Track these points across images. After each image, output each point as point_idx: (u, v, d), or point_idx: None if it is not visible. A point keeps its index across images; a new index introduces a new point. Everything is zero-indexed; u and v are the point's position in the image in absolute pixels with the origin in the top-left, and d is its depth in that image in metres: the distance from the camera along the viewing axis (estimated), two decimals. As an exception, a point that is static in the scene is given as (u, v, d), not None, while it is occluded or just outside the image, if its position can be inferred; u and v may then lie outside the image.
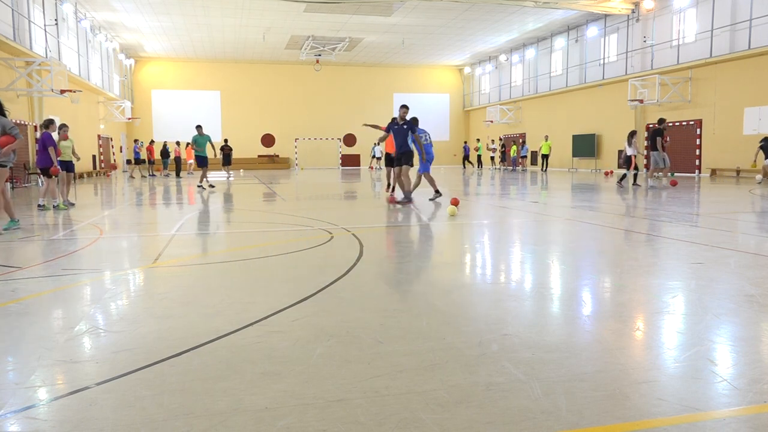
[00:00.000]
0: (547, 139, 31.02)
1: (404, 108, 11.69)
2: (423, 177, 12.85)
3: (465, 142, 39.71)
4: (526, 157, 33.81)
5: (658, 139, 15.81)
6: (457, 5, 25.76)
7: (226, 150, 26.22)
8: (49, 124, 11.48)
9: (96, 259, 6.02)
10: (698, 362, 2.83)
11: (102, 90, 30.45)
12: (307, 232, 7.76)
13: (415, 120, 13.25)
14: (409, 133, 11.62)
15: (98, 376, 2.70)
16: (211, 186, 17.69)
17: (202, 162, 18.07)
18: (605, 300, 4.20)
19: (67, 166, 12.30)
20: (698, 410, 2.31)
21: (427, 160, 12.81)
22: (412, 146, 11.76)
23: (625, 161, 16.64)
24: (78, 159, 13.36)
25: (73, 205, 11.91)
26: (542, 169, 30.78)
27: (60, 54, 23.71)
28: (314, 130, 41.27)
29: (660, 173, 16.74)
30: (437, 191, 12.58)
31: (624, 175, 16.50)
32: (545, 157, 30.84)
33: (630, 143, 16.30)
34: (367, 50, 36.85)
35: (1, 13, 18.40)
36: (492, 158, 37.66)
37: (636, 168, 16.61)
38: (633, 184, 16.48)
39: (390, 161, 13.51)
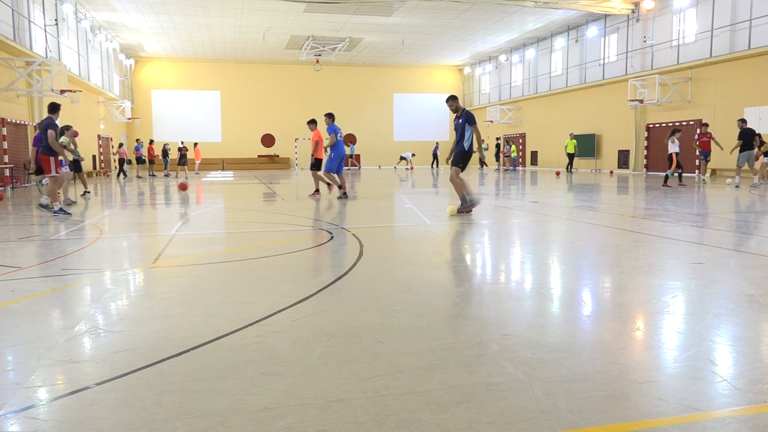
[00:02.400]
0: (572, 137, 28.83)
1: (452, 99, 9.75)
2: (324, 175, 13.19)
3: (437, 143, 39.33)
4: (509, 156, 33.84)
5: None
6: (457, 5, 25.76)
7: (183, 150, 27.05)
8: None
9: (96, 259, 6.01)
10: (698, 362, 2.83)
11: (102, 90, 30.45)
12: (307, 232, 7.76)
13: (330, 116, 13.27)
14: (466, 125, 9.47)
15: (98, 376, 2.70)
16: (72, 200, 12.43)
17: (77, 167, 14.49)
18: (605, 300, 4.19)
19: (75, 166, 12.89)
20: (698, 410, 2.31)
21: (335, 158, 13.04)
22: (468, 142, 9.46)
23: (669, 160, 16.72)
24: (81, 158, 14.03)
25: (75, 202, 12.10)
26: (567, 170, 28.63)
27: (60, 54, 23.71)
28: (314, 130, 41.22)
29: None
30: (317, 191, 13.20)
31: (667, 175, 16.56)
32: (571, 156, 28.66)
33: (672, 140, 16.47)
34: (367, 50, 36.85)
35: (1, 13, 18.40)
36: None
37: (679, 166, 16.67)
38: (679, 184, 16.67)
39: (316, 166, 13.92)
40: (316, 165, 13.90)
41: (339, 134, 13.11)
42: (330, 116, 13.35)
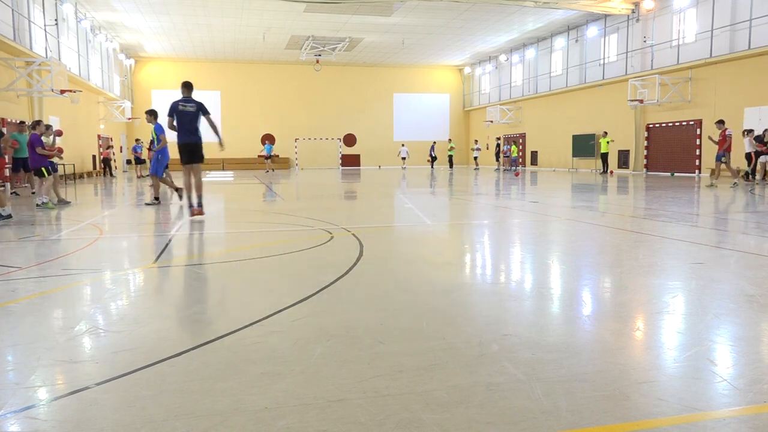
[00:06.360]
0: (606, 135, 27.55)
1: (183, 86, 10.21)
2: (156, 179, 12.05)
3: (434, 143, 39.20)
4: (509, 156, 33.81)
5: None
6: (457, 5, 25.75)
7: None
8: (36, 125, 11.69)
9: (96, 259, 6.01)
10: (698, 362, 2.83)
11: (102, 90, 30.45)
12: (307, 232, 7.76)
13: (153, 113, 11.85)
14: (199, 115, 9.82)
15: (98, 376, 2.70)
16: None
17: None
18: (605, 300, 4.19)
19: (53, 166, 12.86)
20: (698, 410, 2.31)
21: (164, 159, 12.12)
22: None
23: (747, 158, 17.11)
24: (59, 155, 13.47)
25: (69, 203, 12.10)
26: (602, 172, 27.68)
27: (60, 54, 23.70)
28: (314, 130, 41.25)
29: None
30: (157, 198, 11.83)
31: (747, 173, 16.92)
32: (604, 156, 27.53)
33: (748, 139, 17.04)
34: (367, 50, 36.83)
35: (1, 13, 18.40)
36: (475, 158, 37.61)
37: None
38: (746, 181, 17.05)
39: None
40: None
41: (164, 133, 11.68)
42: (153, 114, 11.88)
